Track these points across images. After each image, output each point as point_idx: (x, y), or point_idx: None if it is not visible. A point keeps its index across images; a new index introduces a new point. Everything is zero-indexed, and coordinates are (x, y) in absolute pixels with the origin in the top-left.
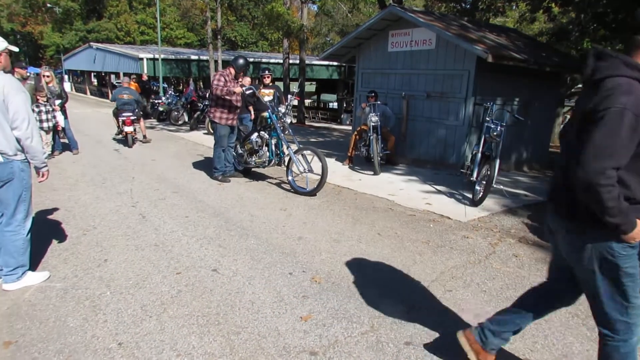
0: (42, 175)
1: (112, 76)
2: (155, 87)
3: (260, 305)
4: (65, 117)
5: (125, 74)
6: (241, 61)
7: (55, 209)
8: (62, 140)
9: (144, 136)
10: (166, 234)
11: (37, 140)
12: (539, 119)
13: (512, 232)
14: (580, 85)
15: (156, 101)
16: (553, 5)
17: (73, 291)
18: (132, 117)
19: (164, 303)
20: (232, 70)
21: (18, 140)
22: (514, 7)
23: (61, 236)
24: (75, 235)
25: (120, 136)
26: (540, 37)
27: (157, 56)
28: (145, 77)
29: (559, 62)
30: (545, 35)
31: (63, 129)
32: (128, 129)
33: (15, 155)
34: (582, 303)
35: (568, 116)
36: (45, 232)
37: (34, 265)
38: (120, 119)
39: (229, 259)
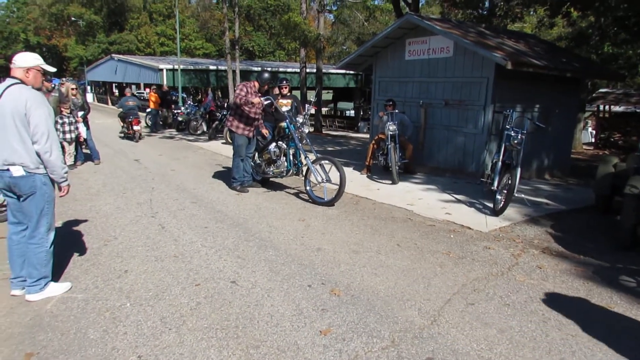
0: (62, 190)
1: (133, 87)
2: (174, 97)
3: (279, 318)
4: (87, 128)
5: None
6: (266, 75)
7: (77, 220)
8: (84, 151)
9: (141, 134)
10: (185, 244)
11: (56, 155)
12: (559, 126)
13: (535, 242)
14: (601, 90)
15: (175, 111)
16: (572, 9)
17: (94, 302)
18: (138, 118)
19: (183, 315)
20: (257, 84)
21: (38, 154)
22: (532, 13)
23: (83, 247)
24: (97, 246)
25: (125, 133)
26: (560, 42)
27: (176, 67)
28: (165, 88)
29: (580, 67)
30: (564, 40)
31: (85, 139)
32: (136, 127)
33: (37, 168)
34: (610, 318)
35: (589, 122)
36: (68, 242)
37: (56, 276)
38: (128, 120)
39: (248, 270)
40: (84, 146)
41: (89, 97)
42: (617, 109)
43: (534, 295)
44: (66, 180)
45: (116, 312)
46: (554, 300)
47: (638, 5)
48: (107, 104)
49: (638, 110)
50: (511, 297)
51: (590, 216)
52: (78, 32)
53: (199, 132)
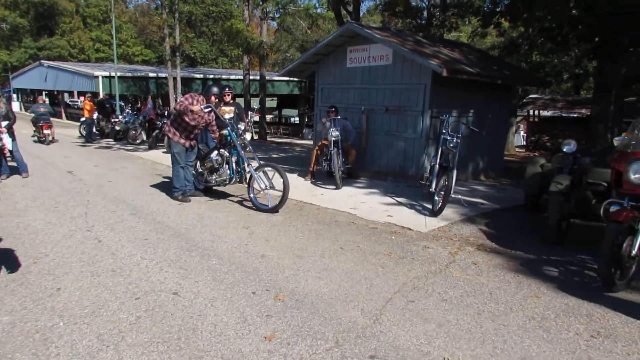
0: None
1: (66, 95)
2: (112, 106)
3: (223, 327)
4: (13, 139)
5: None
6: (214, 89)
7: (2, 237)
8: (10, 164)
9: (53, 137)
10: (124, 258)
11: None
12: (493, 130)
13: (471, 240)
14: (531, 96)
15: (113, 120)
16: (503, 20)
17: (21, 324)
18: (49, 123)
19: (122, 331)
20: (203, 99)
21: None
22: (467, 23)
23: (8, 266)
24: (25, 265)
25: (37, 137)
26: (492, 50)
27: (113, 74)
28: (104, 96)
29: (510, 75)
30: (496, 49)
31: (10, 151)
32: (47, 131)
33: None
34: (538, 306)
35: (521, 125)
36: None
37: None
38: (39, 125)
39: (190, 281)
40: (9, 158)
41: (15, 106)
42: (545, 113)
43: (470, 290)
44: None
45: (47, 332)
46: (487, 294)
47: (561, 18)
48: None
49: (564, 115)
50: (449, 293)
51: (521, 214)
52: (1, 35)
53: (138, 141)
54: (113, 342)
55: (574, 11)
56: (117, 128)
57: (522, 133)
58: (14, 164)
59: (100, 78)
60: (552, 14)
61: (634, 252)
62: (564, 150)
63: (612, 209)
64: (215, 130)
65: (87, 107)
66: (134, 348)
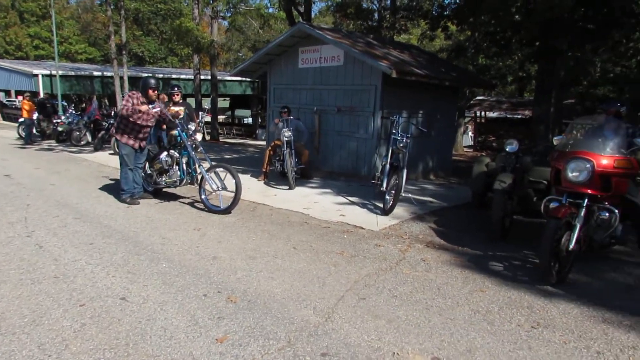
0: None
1: (2, 94)
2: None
3: (173, 330)
4: None
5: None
6: (152, 81)
7: None
8: None
9: None
10: (67, 264)
11: None
12: (441, 130)
13: (421, 237)
14: (478, 98)
15: (55, 121)
16: (450, 24)
17: None
18: None
19: (66, 339)
20: (140, 96)
21: None
22: (416, 26)
23: None
24: None
25: None
26: (441, 53)
27: (54, 72)
28: (45, 96)
29: (457, 77)
30: (445, 52)
31: None
32: None
33: None
34: (483, 299)
35: (469, 126)
36: None
37: None
38: None
39: (139, 285)
40: None
41: None
42: (491, 114)
43: (419, 286)
44: None
45: None
46: (436, 289)
47: (504, 23)
48: None
49: (508, 116)
50: (399, 289)
51: (468, 211)
52: None
53: (82, 142)
54: (56, 351)
55: (516, 16)
56: (60, 129)
57: (470, 133)
58: None
59: (40, 77)
60: (495, 19)
61: (571, 246)
62: (507, 150)
63: (552, 205)
64: (168, 121)
65: (26, 107)
66: (79, 356)
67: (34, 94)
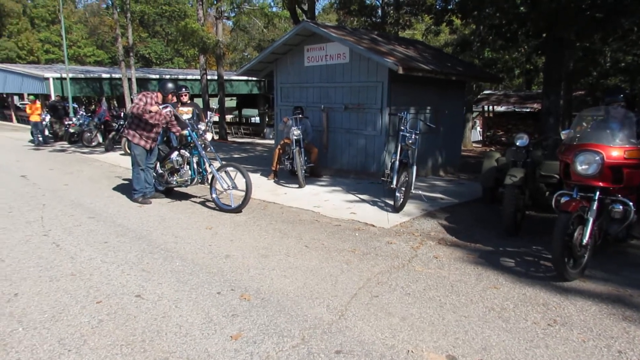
0: None
1: (16, 97)
2: (66, 108)
3: (188, 327)
4: None
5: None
6: (169, 85)
7: None
8: None
9: None
10: (83, 262)
11: None
12: (449, 126)
13: (432, 234)
14: (485, 92)
15: (66, 122)
16: (454, 18)
17: None
18: None
19: (84, 335)
20: (160, 95)
21: None
22: (420, 21)
23: None
24: None
25: None
26: (446, 48)
27: (64, 75)
28: (56, 98)
29: (463, 71)
30: (450, 46)
31: None
32: None
33: None
34: (497, 296)
35: (477, 121)
36: None
37: None
38: None
39: (153, 283)
40: None
41: None
42: (499, 108)
43: (432, 283)
44: None
45: (7, 338)
46: (449, 286)
47: (509, 15)
48: None
49: (517, 110)
50: (411, 287)
51: (479, 207)
52: None
53: (94, 143)
54: (75, 346)
55: (521, 8)
56: (71, 131)
57: (478, 128)
58: None
59: (51, 80)
60: (500, 12)
61: (584, 241)
62: (517, 144)
63: (562, 199)
64: (175, 124)
65: (29, 110)
66: (97, 351)
67: (46, 96)
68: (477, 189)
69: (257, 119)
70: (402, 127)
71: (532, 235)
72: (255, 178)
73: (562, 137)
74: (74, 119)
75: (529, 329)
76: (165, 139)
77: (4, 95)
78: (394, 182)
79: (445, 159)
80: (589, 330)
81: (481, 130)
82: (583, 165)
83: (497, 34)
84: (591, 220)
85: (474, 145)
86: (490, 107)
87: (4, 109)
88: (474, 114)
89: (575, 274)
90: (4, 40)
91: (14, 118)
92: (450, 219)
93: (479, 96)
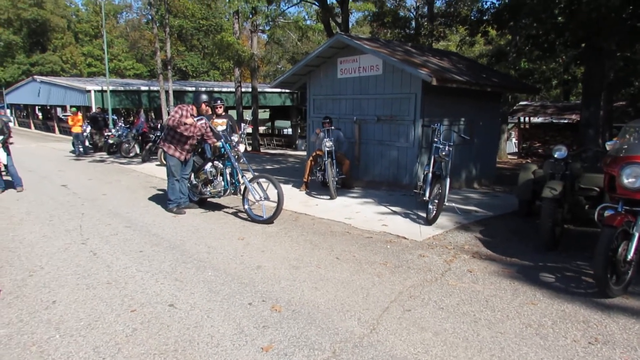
0: None
1: (59, 109)
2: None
3: (219, 338)
4: (8, 154)
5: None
6: (203, 96)
7: None
8: (4, 178)
9: None
10: (119, 270)
11: None
12: (484, 137)
13: (466, 247)
14: (521, 103)
15: (106, 134)
16: (490, 28)
17: (18, 337)
18: None
19: (118, 343)
20: (194, 108)
21: None
22: (455, 32)
23: (4, 279)
24: (21, 277)
25: None
26: (481, 59)
27: (105, 88)
28: (97, 110)
29: (498, 82)
30: (485, 57)
31: (5, 166)
32: None
33: None
34: (534, 313)
35: (513, 132)
36: None
37: None
38: None
39: (186, 292)
40: (4, 173)
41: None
42: (536, 120)
43: (466, 297)
44: None
45: (44, 345)
46: (483, 301)
47: (547, 25)
48: (29, 127)
49: (554, 121)
50: (445, 301)
51: (515, 220)
52: None
53: (131, 154)
54: (110, 354)
55: (559, 18)
56: (110, 141)
57: (514, 140)
58: (9, 178)
59: (92, 92)
60: (537, 22)
61: (629, 257)
62: (555, 156)
63: (606, 213)
64: (211, 135)
65: (71, 121)
66: None
67: (87, 108)
68: (512, 201)
69: (290, 131)
70: (436, 139)
71: (571, 250)
72: (287, 189)
73: (607, 149)
74: (113, 131)
75: (569, 347)
76: (199, 150)
77: (48, 107)
78: (427, 194)
79: (480, 171)
80: (632, 349)
81: (517, 141)
82: (630, 179)
83: (534, 44)
84: (637, 235)
85: (510, 157)
86: (527, 119)
87: (48, 120)
88: (510, 126)
89: (618, 290)
90: (49, 54)
91: (56, 129)
92: (484, 232)
93: (514, 107)
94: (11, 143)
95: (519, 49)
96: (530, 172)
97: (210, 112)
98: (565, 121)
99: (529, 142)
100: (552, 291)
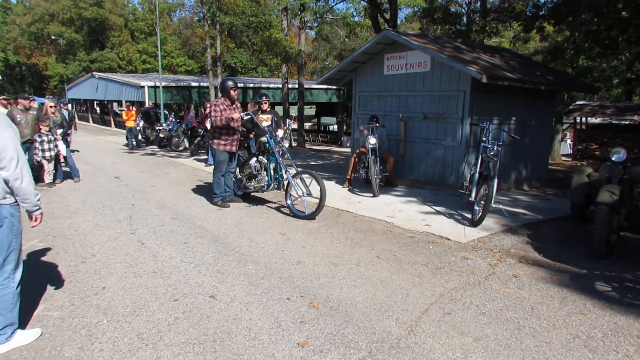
0: (35, 220)
1: (115, 104)
2: (158, 114)
3: (257, 331)
4: (67, 146)
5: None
6: (230, 82)
7: (55, 238)
8: (63, 169)
9: None
10: (164, 260)
11: (27, 181)
12: (536, 137)
13: (512, 252)
14: (578, 102)
15: (157, 128)
16: (546, 24)
17: (69, 320)
18: None
19: (161, 331)
20: (226, 99)
21: (6, 182)
22: (508, 28)
23: (60, 264)
24: (74, 264)
25: None
26: (536, 56)
27: (158, 84)
28: (150, 105)
29: (553, 80)
30: (540, 54)
31: (64, 157)
32: None
33: (4, 198)
34: (583, 323)
35: (568, 133)
36: (45, 261)
37: (36, 293)
38: None
39: (227, 284)
40: (63, 164)
41: (68, 114)
42: (593, 120)
43: (510, 303)
44: (39, 208)
45: (92, 329)
46: (529, 308)
47: (609, 20)
48: (88, 121)
49: (614, 122)
50: (487, 306)
51: (566, 225)
52: (58, 50)
53: (181, 148)
54: (152, 341)
55: (622, 12)
56: (162, 135)
57: (568, 141)
58: (67, 169)
59: (146, 88)
60: (598, 17)
61: None
62: (613, 159)
63: None
64: (257, 127)
65: (125, 116)
66: (171, 348)
67: (141, 103)
68: (564, 205)
69: (335, 127)
70: (484, 138)
71: (627, 259)
72: (330, 186)
73: None
74: (164, 125)
75: None
76: (245, 145)
77: (105, 102)
78: (473, 194)
79: (531, 172)
80: None
81: (572, 143)
82: None
83: (594, 41)
84: None
85: (563, 158)
86: (583, 119)
87: (105, 114)
88: (565, 126)
89: None
90: (107, 51)
91: (112, 123)
92: (533, 237)
93: (570, 107)
94: (69, 133)
95: (578, 45)
96: (585, 175)
97: (256, 108)
98: (627, 122)
99: (584, 143)
100: (603, 301)
